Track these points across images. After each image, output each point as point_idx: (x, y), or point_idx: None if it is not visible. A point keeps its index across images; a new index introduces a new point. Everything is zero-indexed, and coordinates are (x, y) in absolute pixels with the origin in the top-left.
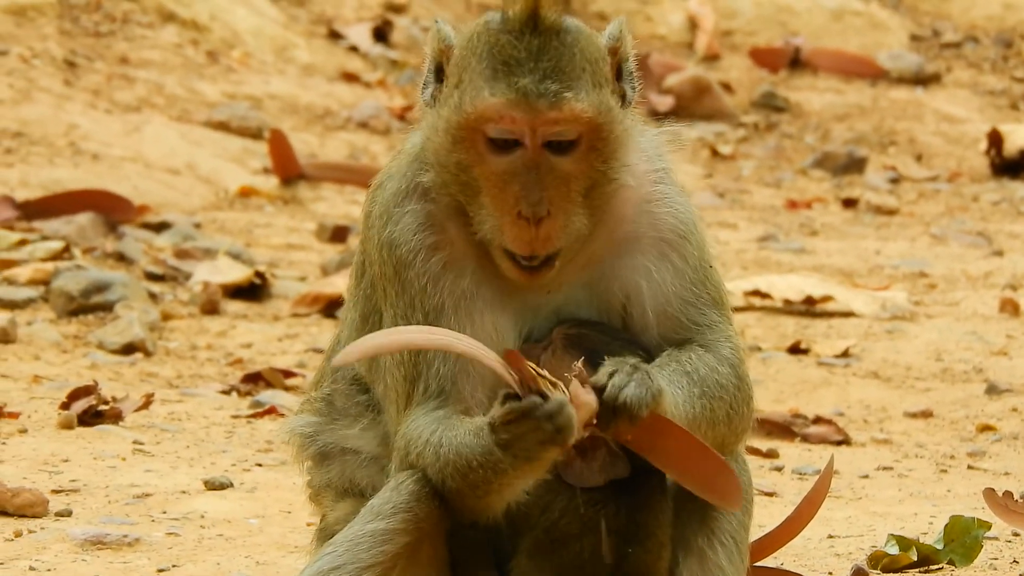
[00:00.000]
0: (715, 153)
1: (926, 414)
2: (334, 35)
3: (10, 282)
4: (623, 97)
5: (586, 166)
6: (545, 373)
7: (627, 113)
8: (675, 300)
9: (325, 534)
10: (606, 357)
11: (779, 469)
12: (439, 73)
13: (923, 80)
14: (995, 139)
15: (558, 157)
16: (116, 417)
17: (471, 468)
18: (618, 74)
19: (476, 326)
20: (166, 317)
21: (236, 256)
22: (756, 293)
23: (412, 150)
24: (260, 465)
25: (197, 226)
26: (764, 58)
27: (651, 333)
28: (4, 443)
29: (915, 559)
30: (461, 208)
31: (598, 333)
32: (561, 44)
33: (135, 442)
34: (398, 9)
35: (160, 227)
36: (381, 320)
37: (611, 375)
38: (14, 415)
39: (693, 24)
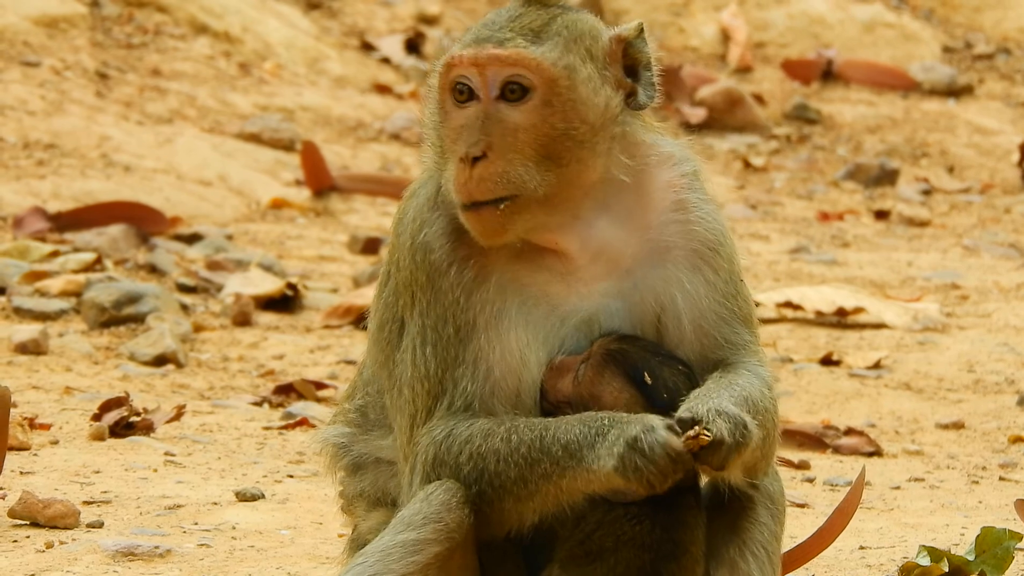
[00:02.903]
0: (747, 165)
1: (958, 425)
2: (366, 47)
3: (42, 294)
4: (631, 94)
5: (539, 119)
6: None
7: (626, 109)
8: (710, 315)
9: (357, 544)
10: (645, 374)
11: (811, 480)
12: None
13: (955, 92)
14: None
15: (509, 108)
16: (147, 429)
17: (550, 454)
18: (630, 72)
19: (504, 343)
20: (198, 329)
21: (268, 268)
22: (788, 304)
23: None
24: (292, 476)
25: (229, 238)
26: (796, 70)
27: (686, 347)
28: (36, 455)
29: (946, 570)
30: None
31: (638, 348)
32: (546, 13)
33: (167, 453)
34: (430, 21)
35: (192, 239)
36: (401, 329)
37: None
38: (46, 426)
39: (726, 36)
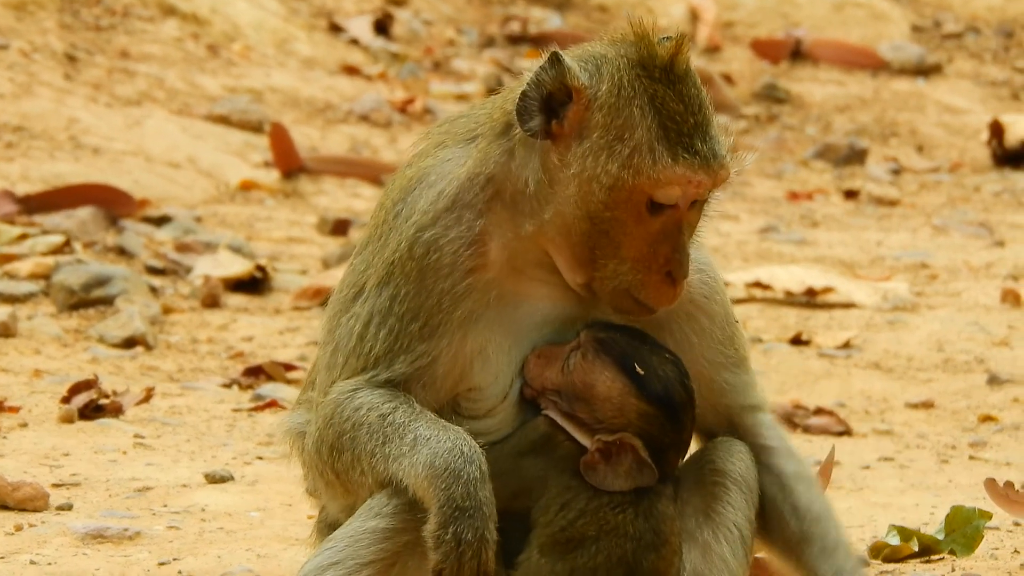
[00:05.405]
0: None
1: (927, 405)
2: (335, 28)
3: (11, 276)
4: None
5: (703, 211)
6: None
7: None
8: (704, 362)
9: (325, 525)
10: (635, 364)
11: None
12: (550, 105)
13: (924, 71)
14: (996, 130)
15: (694, 211)
16: (117, 411)
17: (402, 439)
18: None
19: (461, 346)
20: (167, 311)
21: (237, 250)
22: (757, 284)
23: (477, 156)
24: (261, 458)
25: (198, 220)
26: (765, 49)
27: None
28: (5, 437)
29: (916, 549)
30: (506, 223)
31: (626, 337)
32: (696, 88)
33: (136, 436)
34: (399, 2)
35: (161, 221)
36: (358, 294)
37: None
38: (15, 409)
39: (694, 16)
